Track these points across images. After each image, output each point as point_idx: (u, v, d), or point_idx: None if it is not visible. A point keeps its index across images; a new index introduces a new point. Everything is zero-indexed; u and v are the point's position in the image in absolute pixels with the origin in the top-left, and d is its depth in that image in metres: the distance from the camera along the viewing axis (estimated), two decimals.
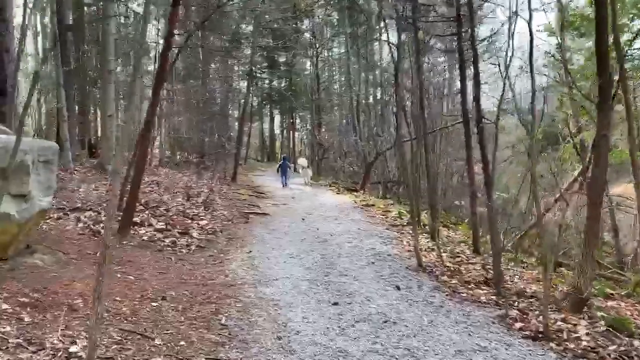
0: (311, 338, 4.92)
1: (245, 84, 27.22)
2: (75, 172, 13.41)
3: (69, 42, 15.59)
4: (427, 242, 9.80)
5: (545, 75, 16.28)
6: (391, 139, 18.20)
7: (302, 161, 26.05)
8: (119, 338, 4.70)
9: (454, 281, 7.07)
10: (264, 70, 33.00)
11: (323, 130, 29.14)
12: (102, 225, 8.96)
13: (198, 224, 10.63)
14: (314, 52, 29.23)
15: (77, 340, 4.48)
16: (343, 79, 32.07)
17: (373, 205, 13.97)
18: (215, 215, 11.66)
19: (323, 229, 10.68)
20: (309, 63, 34.12)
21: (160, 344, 4.70)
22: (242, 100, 22.93)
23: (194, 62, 27.66)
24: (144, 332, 4.93)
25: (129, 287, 6.31)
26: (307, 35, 31.52)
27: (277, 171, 22.66)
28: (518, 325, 5.40)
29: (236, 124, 26.22)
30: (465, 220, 14.59)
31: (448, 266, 7.83)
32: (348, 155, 24.04)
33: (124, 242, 8.40)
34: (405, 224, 11.24)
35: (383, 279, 7.05)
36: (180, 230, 9.71)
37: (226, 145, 23.29)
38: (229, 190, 16.64)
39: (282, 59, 32.68)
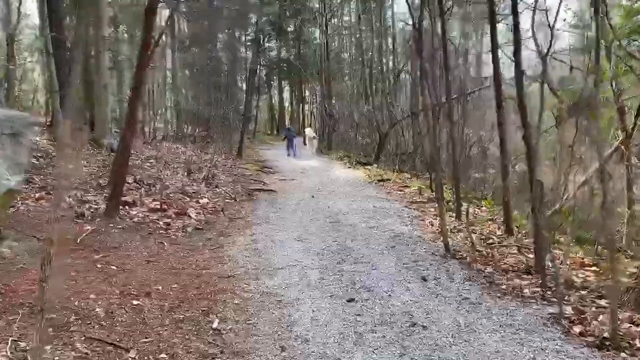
0: (322, 349, 3.95)
1: (255, 55, 25.96)
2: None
3: (60, 6, 14.46)
4: (452, 221, 8.75)
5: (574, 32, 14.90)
6: (407, 107, 17.01)
7: (309, 131, 25.92)
8: (84, 351, 3.78)
9: (489, 269, 6.04)
10: (271, 38, 31.67)
11: (333, 101, 27.89)
12: (88, 206, 8.05)
13: (198, 202, 9.69)
14: (323, 20, 27.73)
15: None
16: (354, 48, 30.62)
17: (388, 179, 12.92)
18: (217, 193, 10.71)
19: (335, 207, 9.68)
20: (318, 31, 32.65)
21: (134, 358, 3.77)
22: (249, 71, 21.67)
23: (198, 32, 26.45)
24: (116, 341, 4.00)
25: (108, 281, 5.37)
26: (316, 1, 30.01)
27: (284, 139, 23.70)
28: (577, 329, 4.37)
29: (243, 95, 25.07)
30: (489, 195, 13.51)
31: (479, 250, 6.79)
32: (360, 126, 22.84)
33: (111, 225, 7.46)
34: (426, 200, 10.19)
35: (406, 267, 6.04)
36: (176, 211, 8.76)
37: (232, 118, 22.27)
38: (234, 165, 15.69)
39: (290, 27, 31.29)
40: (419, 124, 15.07)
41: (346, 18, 32.33)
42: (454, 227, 8.27)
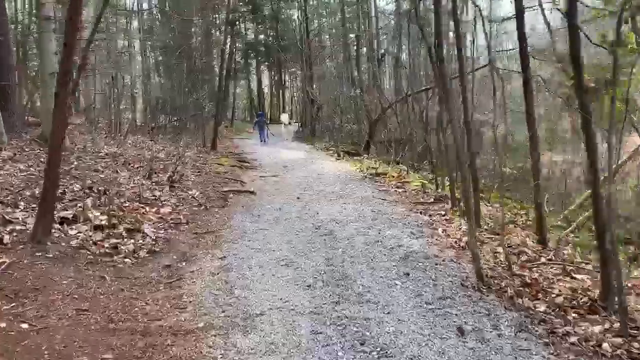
0: None
1: (227, 35, 23.90)
2: (8, 148, 10.55)
3: None
4: (461, 223, 7.18)
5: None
6: (399, 91, 15.36)
7: (284, 117, 26.57)
8: None
9: (540, 306, 4.48)
10: (247, 19, 29.58)
11: (315, 86, 26.09)
12: (10, 228, 6.25)
13: (157, 212, 7.95)
14: None
15: None
16: (335, 29, 28.74)
17: (384, 174, 11.29)
18: (182, 198, 8.97)
19: (325, 213, 8.03)
20: (296, 11, 30.65)
21: None
22: (222, 54, 19.74)
23: (167, 14, 24.40)
24: None
25: (8, 354, 3.69)
26: None
27: (254, 128, 23.67)
28: None
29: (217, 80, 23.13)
30: (494, 186, 11.98)
31: (520, 275, 5.23)
32: (345, 111, 21.13)
33: (38, 254, 5.70)
34: (432, 200, 8.61)
35: (431, 309, 4.43)
36: (129, 226, 7.02)
37: (206, 106, 20.41)
38: (206, 160, 13.90)
39: (266, 7, 29.23)
40: (412, 107, 13.43)
41: None
42: (464, 232, 6.70)
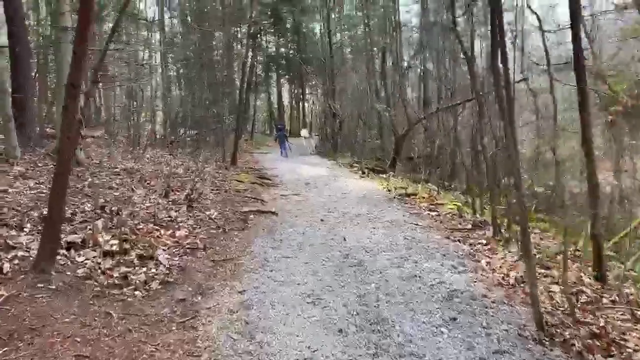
0: None
1: (248, 48, 23.57)
2: (20, 163, 10.17)
3: None
4: (506, 254, 6.47)
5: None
6: (427, 104, 14.67)
7: (304, 132, 27.53)
8: None
9: None
10: (268, 31, 29.27)
11: (337, 99, 25.54)
12: (12, 254, 5.74)
13: (173, 235, 7.40)
14: (324, 9, 25.36)
15: None
16: (358, 41, 28.25)
17: (414, 194, 10.60)
18: (200, 219, 8.41)
19: (353, 239, 7.38)
20: (318, 23, 30.26)
21: None
22: (243, 66, 19.33)
23: (190, 27, 24.24)
24: None
25: None
26: None
27: (275, 140, 24.88)
28: None
29: (237, 93, 22.74)
30: (532, 207, 11.19)
31: (582, 321, 4.50)
32: (368, 126, 20.48)
33: (40, 286, 5.17)
34: (470, 227, 7.89)
35: None
36: (141, 252, 6.48)
37: (226, 119, 20.01)
38: (226, 176, 13.37)
39: (288, 19, 28.92)
40: (442, 122, 12.75)
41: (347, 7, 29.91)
42: (513, 264, 5.98)
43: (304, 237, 7.59)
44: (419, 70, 21.19)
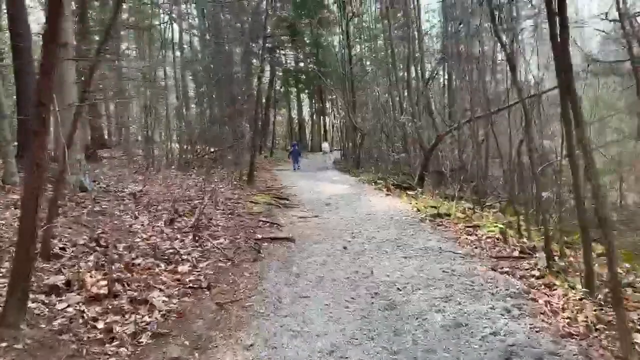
0: None
1: (265, 62, 22.89)
2: (17, 190, 9.42)
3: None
4: (567, 290, 5.34)
5: None
6: (454, 114, 13.59)
7: (325, 146, 28.33)
8: None
9: None
10: (286, 46, 28.57)
11: (357, 112, 24.58)
12: None
13: (175, 271, 6.47)
14: (343, 20, 24.54)
15: None
16: (379, 52, 27.34)
17: (447, 214, 9.48)
18: (207, 250, 7.48)
19: (381, 272, 6.33)
20: (336, 36, 29.46)
21: None
22: (257, 81, 18.58)
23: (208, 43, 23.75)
24: None
25: None
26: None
27: (289, 157, 26.64)
28: None
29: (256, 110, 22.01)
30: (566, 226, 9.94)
31: None
32: (391, 139, 19.41)
33: (4, 345, 4.26)
34: (518, 255, 6.75)
35: None
36: (134, 294, 5.56)
37: (245, 136, 19.23)
38: (241, 196, 12.47)
39: (306, 32, 28.20)
40: (475, 132, 11.65)
41: (365, 17, 29.03)
42: (579, 302, 4.84)
43: (325, 270, 6.57)
44: (442, 80, 20.12)
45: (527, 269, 6.14)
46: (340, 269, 6.60)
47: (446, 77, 21.43)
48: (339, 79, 26.59)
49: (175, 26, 27.54)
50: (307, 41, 29.99)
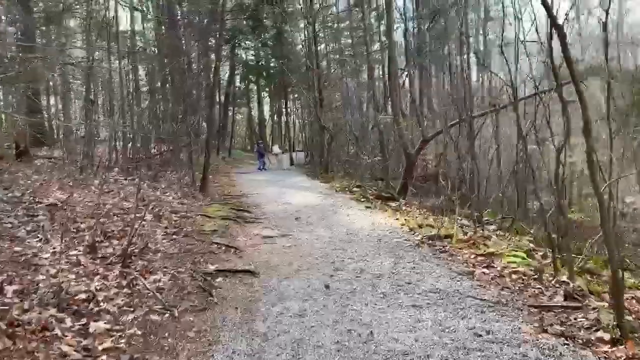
0: None
1: (222, 45, 20.65)
2: None
3: None
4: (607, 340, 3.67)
5: None
6: (446, 114, 11.92)
7: (276, 149, 28.02)
8: None
9: None
10: (247, 38, 26.37)
11: (326, 113, 22.70)
12: None
13: (81, 335, 4.38)
14: (309, 10, 22.64)
15: None
16: (350, 46, 25.61)
17: (449, 237, 7.70)
18: (138, 292, 5.39)
19: (386, 336, 4.39)
20: (302, 34, 27.52)
21: None
22: (212, 74, 16.43)
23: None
24: None
25: None
26: None
27: (255, 154, 26.99)
28: None
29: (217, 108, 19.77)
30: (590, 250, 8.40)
31: None
32: (364, 141, 17.61)
33: None
34: (561, 297, 5.01)
35: None
36: None
37: (200, 135, 17.03)
38: (191, 207, 10.35)
39: (269, 23, 26.11)
40: (467, 136, 10.00)
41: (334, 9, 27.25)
42: None
43: (303, 327, 4.62)
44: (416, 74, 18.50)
45: (587, 328, 4.39)
46: (325, 324, 4.66)
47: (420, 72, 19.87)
48: (304, 75, 24.71)
49: (125, 12, 25.03)
50: (270, 33, 27.88)
